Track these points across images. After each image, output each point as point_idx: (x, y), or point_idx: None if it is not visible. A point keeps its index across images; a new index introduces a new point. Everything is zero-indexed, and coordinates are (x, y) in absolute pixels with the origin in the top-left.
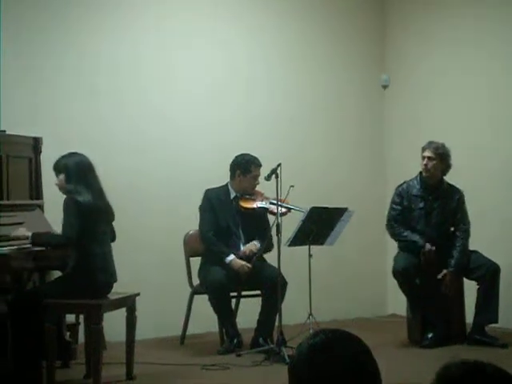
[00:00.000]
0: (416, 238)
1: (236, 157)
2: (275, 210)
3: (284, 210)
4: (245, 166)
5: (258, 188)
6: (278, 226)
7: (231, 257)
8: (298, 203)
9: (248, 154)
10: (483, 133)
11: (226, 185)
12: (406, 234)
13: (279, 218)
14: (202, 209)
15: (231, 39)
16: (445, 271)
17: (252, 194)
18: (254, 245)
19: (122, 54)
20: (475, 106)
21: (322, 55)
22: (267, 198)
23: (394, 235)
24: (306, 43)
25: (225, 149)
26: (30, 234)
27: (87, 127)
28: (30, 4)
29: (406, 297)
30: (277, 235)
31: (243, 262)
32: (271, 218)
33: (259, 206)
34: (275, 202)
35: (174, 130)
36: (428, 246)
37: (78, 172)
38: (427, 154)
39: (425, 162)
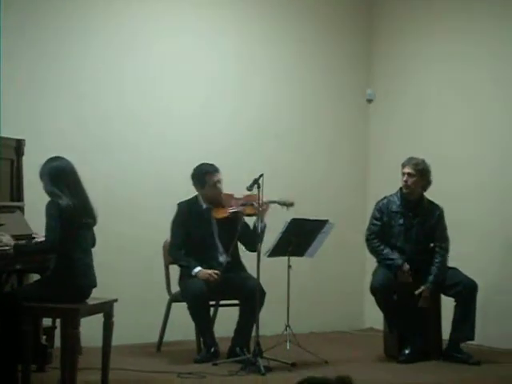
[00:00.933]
0: (395, 256)
1: (193, 169)
2: (248, 210)
3: (263, 207)
4: (199, 178)
5: (227, 190)
6: (259, 234)
7: (197, 269)
8: (283, 215)
9: (203, 164)
10: (466, 147)
11: (196, 196)
12: (385, 251)
13: (260, 225)
14: (173, 223)
15: (219, 52)
16: (422, 287)
17: (221, 201)
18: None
19: (105, 68)
20: (458, 121)
21: (308, 69)
22: (237, 199)
23: (372, 251)
24: (293, 58)
25: (207, 160)
26: (12, 243)
27: (71, 134)
28: (16, 10)
29: (383, 313)
30: (256, 244)
31: (210, 271)
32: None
33: (231, 211)
34: (246, 202)
35: (158, 142)
36: (406, 266)
37: (59, 176)
38: (407, 170)
39: (405, 179)
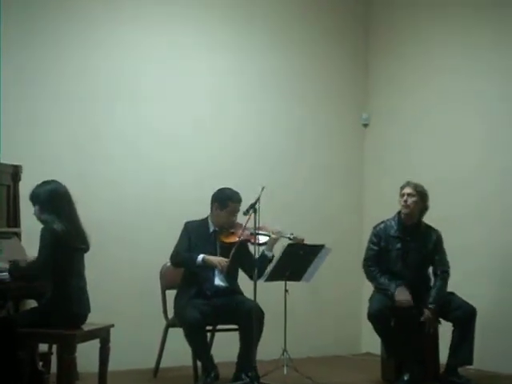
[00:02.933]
0: (391, 287)
1: (216, 191)
2: (258, 240)
3: (266, 238)
4: (223, 201)
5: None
6: (255, 261)
7: (201, 256)
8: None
9: (228, 189)
10: (463, 171)
11: (206, 218)
12: (381, 280)
13: (258, 250)
14: (179, 238)
15: (216, 71)
16: (425, 310)
17: (231, 227)
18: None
19: (101, 86)
20: (455, 146)
21: (304, 93)
22: (247, 229)
23: (369, 278)
24: (290, 81)
25: (205, 183)
26: (7, 266)
27: (66, 158)
28: (11, 24)
29: (381, 339)
30: (253, 270)
31: (218, 258)
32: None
33: (242, 238)
34: (257, 232)
35: (153, 164)
36: (400, 296)
37: (51, 201)
38: (407, 190)
39: (404, 199)
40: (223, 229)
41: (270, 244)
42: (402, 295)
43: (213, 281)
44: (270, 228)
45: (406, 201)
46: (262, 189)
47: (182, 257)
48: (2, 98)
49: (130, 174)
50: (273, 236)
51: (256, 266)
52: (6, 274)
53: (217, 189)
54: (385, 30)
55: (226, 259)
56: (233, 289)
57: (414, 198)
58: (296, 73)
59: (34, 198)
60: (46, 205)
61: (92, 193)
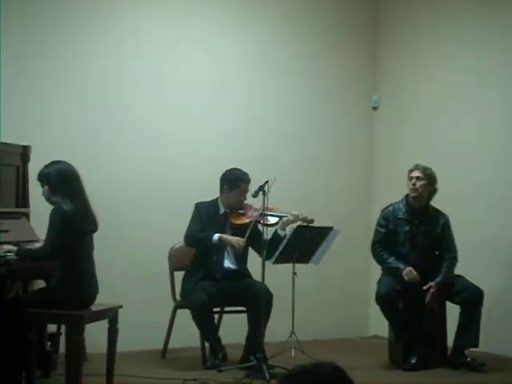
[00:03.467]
0: (400, 265)
1: (225, 171)
2: (267, 221)
3: (275, 219)
4: (232, 182)
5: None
6: (265, 242)
7: (216, 235)
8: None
9: (237, 169)
10: (470, 155)
11: (216, 199)
12: (389, 260)
13: (266, 231)
14: (191, 219)
15: (223, 57)
16: (430, 283)
17: (241, 209)
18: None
19: (115, 68)
20: (464, 130)
21: (314, 75)
22: (256, 210)
23: (377, 259)
24: (300, 64)
25: (214, 164)
26: (15, 249)
27: (77, 138)
28: (24, 14)
29: (389, 322)
30: (262, 251)
31: (235, 238)
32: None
33: (251, 220)
34: (266, 213)
35: (162, 144)
36: (409, 268)
37: (60, 181)
38: (416, 174)
39: (413, 182)
40: (233, 210)
41: (284, 223)
42: (411, 272)
43: (222, 263)
44: (280, 210)
45: (414, 184)
46: (273, 180)
47: (198, 236)
48: (12, 79)
49: (142, 152)
50: (290, 217)
51: (264, 248)
52: (12, 255)
53: (225, 170)
54: (395, 11)
55: (243, 239)
56: (242, 272)
57: (422, 182)
58: (307, 54)
59: (43, 178)
60: (55, 185)
61: (100, 173)
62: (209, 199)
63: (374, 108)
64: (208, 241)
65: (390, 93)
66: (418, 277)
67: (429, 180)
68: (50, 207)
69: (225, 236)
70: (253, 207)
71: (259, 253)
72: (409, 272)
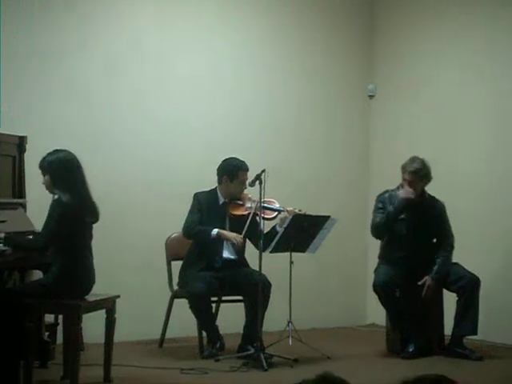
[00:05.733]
0: (391, 208)
1: (223, 161)
2: (265, 214)
3: (273, 214)
4: (231, 171)
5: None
6: (261, 232)
7: (215, 230)
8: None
9: (235, 159)
10: (466, 143)
11: (215, 189)
12: (387, 211)
13: (263, 223)
14: (190, 210)
15: (217, 44)
16: (426, 277)
17: (239, 199)
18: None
19: (114, 55)
20: (460, 118)
21: (309, 64)
22: (254, 201)
23: (378, 226)
24: (295, 52)
25: (211, 152)
26: (3, 235)
27: (75, 126)
28: (25, 7)
29: (387, 310)
30: (259, 242)
31: (234, 234)
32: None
33: (249, 212)
34: (263, 204)
35: (160, 131)
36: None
37: (62, 172)
38: (407, 177)
39: (406, 183)
40: (232, 199)
41: (282, 221)
42: (404, 189)
43: (221, 253)
44: (277, 203)
45: (409, 186)
46: (263, 172)
47: (197, 230)
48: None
49: (140, 139)
50: (286, 214)
51: (260, 239)
52: (8, 248)
53: (222, 160)
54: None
55: (241, 236)
56: (240, 261)
57: (417, 184)
58: (302, 44)
59: (45, 166)
60: (56, 176)
61: (99, 163)
62: (206, 188)
63: (371, 96)
64: (207, 235)
65: (386, 81)
66: (414, 194)
67: (421, 179)
68: (47, 198)
69: (224, 232)
70: (251, 198)
71: (256, 245)
72: (403, 191)
